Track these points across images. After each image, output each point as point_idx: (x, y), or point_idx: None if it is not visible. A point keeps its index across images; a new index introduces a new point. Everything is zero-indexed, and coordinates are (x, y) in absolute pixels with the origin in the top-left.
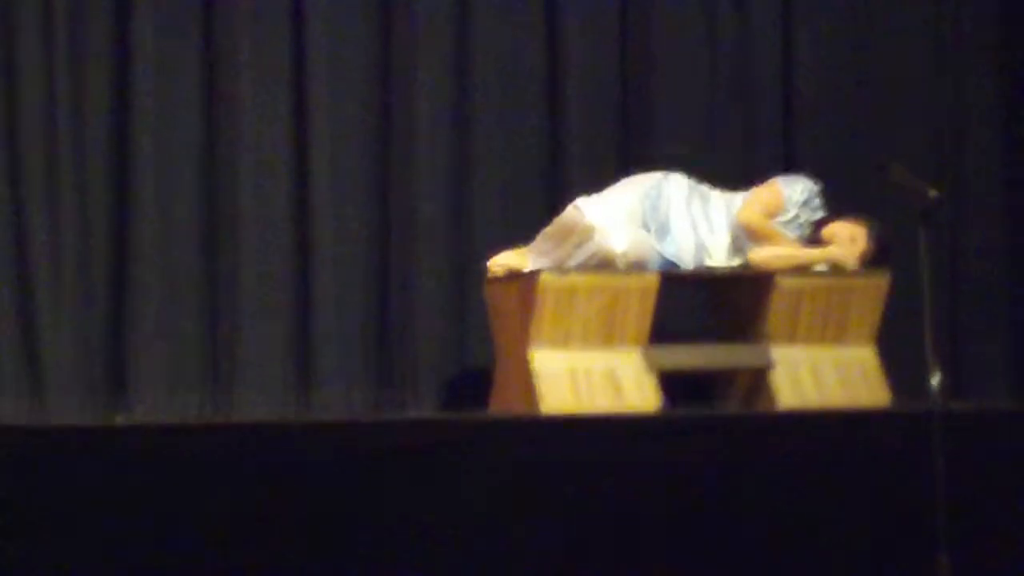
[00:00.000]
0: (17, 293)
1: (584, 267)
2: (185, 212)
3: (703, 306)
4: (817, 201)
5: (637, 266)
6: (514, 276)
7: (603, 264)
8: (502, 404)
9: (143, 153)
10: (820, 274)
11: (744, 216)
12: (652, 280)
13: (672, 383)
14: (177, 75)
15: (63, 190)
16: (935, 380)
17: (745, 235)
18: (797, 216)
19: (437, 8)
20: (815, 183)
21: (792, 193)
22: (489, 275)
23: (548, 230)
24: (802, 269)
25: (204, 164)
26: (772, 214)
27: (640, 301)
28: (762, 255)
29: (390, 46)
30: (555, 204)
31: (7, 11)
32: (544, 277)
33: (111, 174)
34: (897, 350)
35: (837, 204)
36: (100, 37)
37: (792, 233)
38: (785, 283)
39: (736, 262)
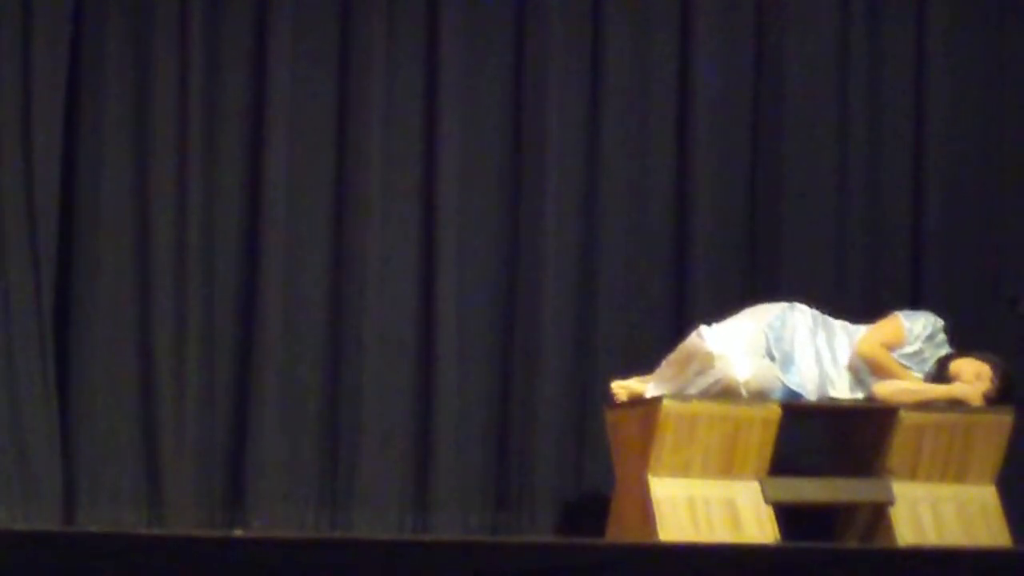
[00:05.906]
0: (140, 405)
1: (706, 395)
2: (309, 329)
3: (824, 438)
4: (942, 336)
5: (759, 396)
6: (636, 402)
7: (725, 392)
8: (620, 530)
9: (270, 270)
10: (944, 410)
11: (864, 348)
12: (774, 410)
13: (791, 515)
14: (307, 182)
15: (189, 303)
16: None
17: (865, 367)
18: (921, 351)
19: (567, 124)
20: (938, 319)
21: (914, 327)
22: (612, 399)
23: (671, 357)
24: (926, 405)
25: (330, 284)
26: (892, 347)
27: (761, 431)
28: (886, 389)
29: (520, 174)
30: (679, 331)
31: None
32: (666, 404)
33: (238, 288)
34: (1019, 490)
35: (964, 340)
36: (231, 136)
37: (916, 368)
38: (908, 418)
39: (859, 395)
